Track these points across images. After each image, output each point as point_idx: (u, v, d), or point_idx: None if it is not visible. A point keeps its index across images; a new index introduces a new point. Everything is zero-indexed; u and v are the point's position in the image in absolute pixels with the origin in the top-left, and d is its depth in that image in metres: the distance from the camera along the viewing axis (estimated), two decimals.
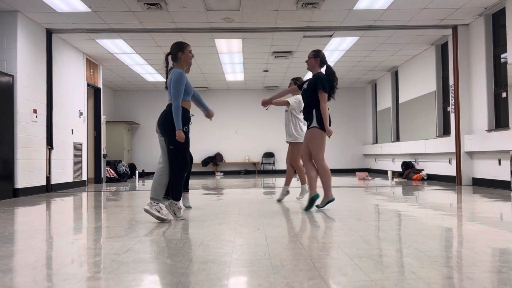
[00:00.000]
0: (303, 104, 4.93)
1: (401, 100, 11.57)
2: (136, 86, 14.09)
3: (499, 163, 7.24)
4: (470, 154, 8.14)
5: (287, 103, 5.68)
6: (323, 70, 4.85)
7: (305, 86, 4.85)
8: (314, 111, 4.65)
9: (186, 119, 4.04)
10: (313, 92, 4.65)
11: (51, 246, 3.04)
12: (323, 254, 2.66)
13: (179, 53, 4.07)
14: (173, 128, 3.92)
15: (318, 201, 4.81)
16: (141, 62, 10.81)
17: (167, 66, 4.19)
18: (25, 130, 7.18)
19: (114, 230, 3.64)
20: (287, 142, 5.89)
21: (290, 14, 7.44)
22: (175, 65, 4.14)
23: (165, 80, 4.46)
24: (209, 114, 4.60)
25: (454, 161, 8.59)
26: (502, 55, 7.39)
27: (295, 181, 8.82)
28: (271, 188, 8.22)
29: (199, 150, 14.62)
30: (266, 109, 6.19)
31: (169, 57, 4.20)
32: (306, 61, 4.85)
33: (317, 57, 4.78)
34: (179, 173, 3.99)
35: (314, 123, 4.64)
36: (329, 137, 4.66)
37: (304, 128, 5.58)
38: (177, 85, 3.90)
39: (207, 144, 14.88)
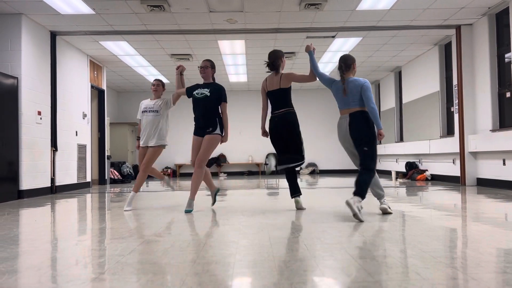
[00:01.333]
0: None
1: (404, 101, 11.54)
2: (140, 87, 14.13)
3: (504, 163, 7.21)
4: (474, 154, 8.11)
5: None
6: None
7: (207, 93, 4.95)
8: (217, 119, 4.98)
9: None
10: (216, 102, 4.96)
11: (56, 248, 3.05)
12: (327, 255, 2.65)
13: (353, 64, 4.41)
14: (369, 132, 4.21)
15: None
16: (145, 64, 10.84)
17: (344, 74, 4.39)
18: (30, 132, 7.22)
19: (118, 231, 3.65)
20: (150, 146, 5.35)
21: (293, 15, 7.45)
22: (346, 74, 4.34)
23: (342, 85, 4.39)
24: None
25: (458, 162, 8.56)
26: (506, 55, 7.36)
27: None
28: (275, 189, 8.22)
29: None
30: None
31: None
32: (202, 69, 5.04)
33: (213, 67, 5.14)
34: (374, 171, 4.28)
35: (218, 131, 5.00)
36: (222, 143, 5.14)
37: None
38: (370, 89, 4.28)
39: None
